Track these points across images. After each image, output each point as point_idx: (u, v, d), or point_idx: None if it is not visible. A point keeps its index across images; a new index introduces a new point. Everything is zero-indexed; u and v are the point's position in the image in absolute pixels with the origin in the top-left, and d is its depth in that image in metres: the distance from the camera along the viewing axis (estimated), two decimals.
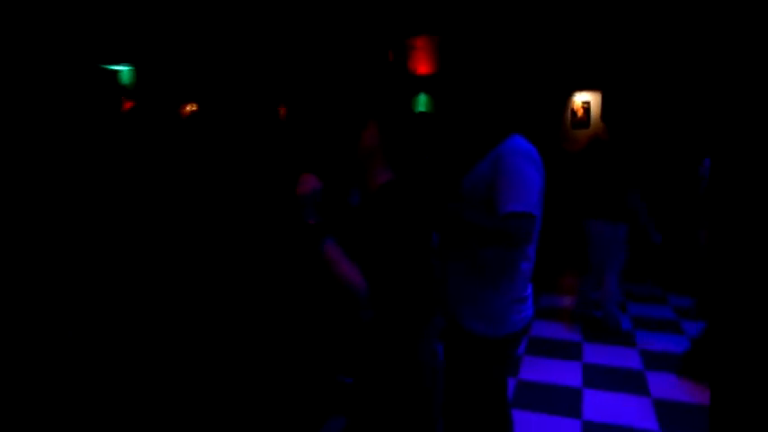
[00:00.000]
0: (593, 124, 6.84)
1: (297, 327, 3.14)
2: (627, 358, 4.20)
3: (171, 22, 5.88)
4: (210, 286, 2.90)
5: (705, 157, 3.95)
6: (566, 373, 3.94)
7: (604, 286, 4.71)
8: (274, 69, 6.44)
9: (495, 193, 1.95)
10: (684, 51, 6.13)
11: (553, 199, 3.22)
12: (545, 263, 5.01)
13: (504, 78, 2.18)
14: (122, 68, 6.58)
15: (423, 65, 7.11)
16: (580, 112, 6.90)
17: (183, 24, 5.98)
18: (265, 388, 2.98)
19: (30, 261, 2.45)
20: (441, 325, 2.21)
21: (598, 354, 4.30)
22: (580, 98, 6.88)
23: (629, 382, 3.77)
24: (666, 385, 3.71)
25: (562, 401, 3.51)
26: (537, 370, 4.01)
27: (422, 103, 7.13)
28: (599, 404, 3.47)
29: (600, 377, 3.87)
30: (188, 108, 6.44)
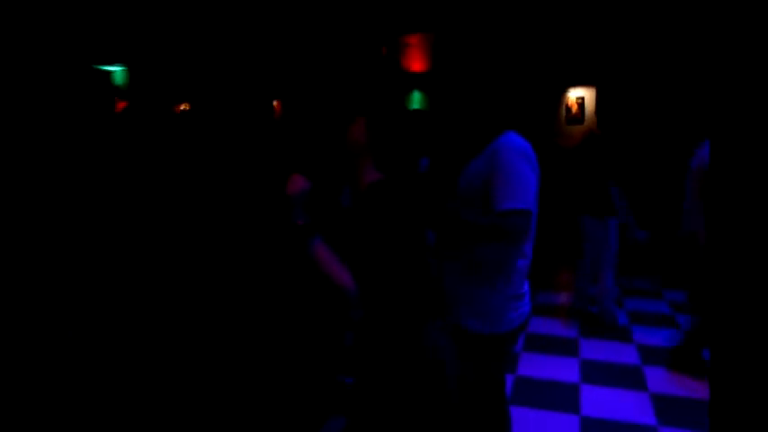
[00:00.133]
0: (587, 120, 6.84)
1: (292, 326, 3.13)
2: (624, 353, 4.20)
3: (163, 21, 5.85)
4: (206, 286, 2.89)
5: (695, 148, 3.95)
6: (563, 369, 3.94)
7: (600, 282, 4.72)
8: (267, 68, 6.42)
9: (492, 190, 1.94)
10: (679, 46, 6.14)
11: (549, 195, 3.22)
12: (542, 260, 5.01)
13: (499, 75, 2.17)
14: (115, 69, 6.55)
15: (417, 62, 7.09)
16: (575, 108, 6.90)
17: (174, 22, 5.96)
18: (264, 388, 2.97)
19: (29, 261, 2.44)
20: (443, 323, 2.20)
21: (595, 349, 4.30)
22: (574, 94, 6.88)
23: (626, 378, 3.78)
24: (664, 380, 3.72)
25: (560, 397, 3.52)
26: (535, 366, 4.01)
27: (416, 100, 7.12)
28: (597, 399, 3.48)
29: (597, 373, 3.88)
30: (181, 107, 6.42)
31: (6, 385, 2.22)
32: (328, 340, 3.23)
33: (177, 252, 2.85)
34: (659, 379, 3.74)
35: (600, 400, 3.47)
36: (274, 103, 6.39)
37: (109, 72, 6.49)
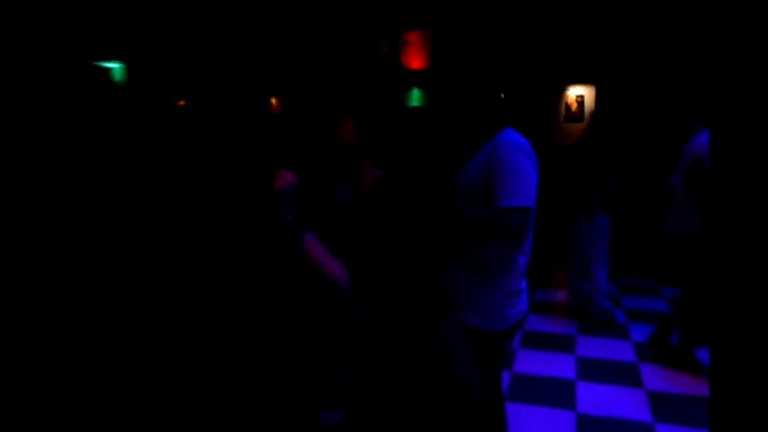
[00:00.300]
0: (586, 118, 6.85)
1: (285, 321, 3.13)
2: (621, 351, 4.22)
3: (159, 16, 5.84)
4: (198, 280, 2.89)
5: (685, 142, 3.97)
6: (560, 366, 3.96)
7: (591, 279, 4.75)
8: (265, 65, 6.41)
9: (493, 187, 1.95)
10: (678, 44, 6.14)
11: (547, 193, 3.23)
12: (540, 257, 5.02)
13: (499, 72, 2.18)
14: (114, 65, 6.54)
15: (416, 59, 7.09)
16: (574, 106, 6.90)
17: (171, 17, 5.95)
18: (258, 382, 2.98)
19: (27, 260, 2.44)
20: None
21: (592, 346, 4.32)
22: (574, 92, 6.89)
23: (622, 375, 3.80)
24: (660, 377, 3.74)
25: (556, 394, 3.53)
26: (531, 363, 4.02)
27: (415, 97, 7.12)
28: (593, 396, 3.49)
29: (594, 370, 3.89)
30: (178, 104, 6.41)
31: (7, 385, 2.23)
32: (323, 335, 3.24)
33: (171, 248, 2.85)
34: (655, 376, 3.75)
35: (596, 397, 3.48)
36: (272, 100, 6.39)
37: (108, 69, 6.48)
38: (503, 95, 2.17)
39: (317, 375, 3.23)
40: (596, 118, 4.75)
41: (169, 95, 6.20)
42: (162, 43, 6.14)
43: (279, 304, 3.10)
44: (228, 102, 5.93)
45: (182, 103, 6.26)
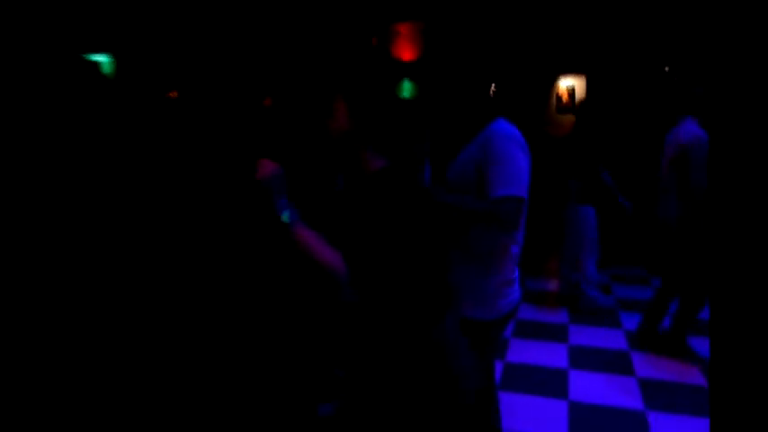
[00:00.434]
0: (577, 109, 6.86)
1: (283, 312, 3.13)
2: (612, 339, 4.26)
3: (144, 6, 5.79)
4: (194, 275, 2.88)
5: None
6: (552, 355, 3.99)
7: (581, 268, 4.79)
8: (257, 58, 6.37)
9: (486, 177, 1.96)
10: (669, 34, 6.16)
11: (539, 183, 3.24)
12: (532, 247, 5.04)
13: (490, 63, 2.18)
14: (103, 58, 6.47)
15: (407, 51, 7.07)
16: (565, 97, 6.91)
17: (157, 7, 5.89)
18: (251, 376, 2.98)
19: (25, 260, 2.43)
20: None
21: (584, 335, 4.35)
22: (565, 83, 6.89)
23: (614, 363, 3.83)
24: (651, 365, 3.77)
25: (549, 383, 3.56)
26: (523, 352, 4.05)
27: (406, 89, 7.10)
28: (585, 385, 3.52)
29: (586, 358, 3.92)
30: (170, 95, 6.35)
31: (7, 385, 2.22)
32: (318, 326, 3.24)
33: (162, 243, 2.84)
34: (646, 364, 3.79)
35: (588, 386, 3.51)
36: (263, 93, 6.35)
37: (97, 62, 6.42)
38: (494, 86, 2.17)
39: (313, 366, 3.24)
40: (585, 107, 4.76)
41: (159, 87, 6.15)
42: (149, 34, 6.08)
43: (273, 295, 3.09)
44: (219, 95, 5.89)
45: (174, 94, 6.21)
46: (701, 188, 3.48)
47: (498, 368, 3.77)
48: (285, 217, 1.62)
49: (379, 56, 6.79)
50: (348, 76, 1.70)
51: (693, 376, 3.57)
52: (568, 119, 6.84)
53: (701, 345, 4.01)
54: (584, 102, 4.71)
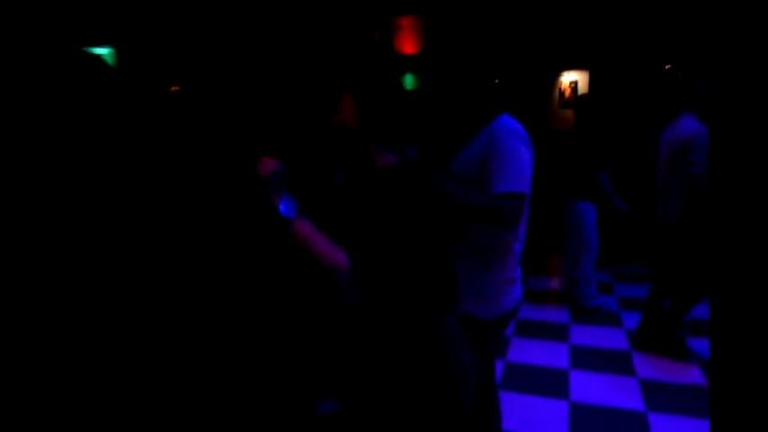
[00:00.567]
0: None
1: (283, 309, 3.10)
2: (613, 339, 4.22)
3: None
4: (197, 276, 2.85)
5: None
6: (553, 355, 3.95)
7: (579, 267, 4.75)
8: (259, 53, 6.33)
9: (489, 173, 1.93)
10: (672, 29, 6.10)
11: (541, 179, 3.21)
12: (534, 244, 5.01)
13: (493, 58, 2.14)
14: (104, 51, 6.43)
15: (409, 45, 7.01)
16: (568, 92, 6.86)
17: (161, 2, 5.85)
18: (256, 372, 2.95)
19: (23, 255, 2.39)
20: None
21: (585, 335, 4.32)
22: (568, 78, 6.84)
23: (615, 363, 3.79)
24: (652, 365, 3.74)
25: (549, 383, 3.52)
26: (524, 352, 4.02)
27: (408, 82, 7.05)
28: (586, 385, 3.49)
29: (587, 358, 3.89)
30: (171, 89, 6.32)
31: (7, 385, 2.19)
32: (319, 324, 3.20)
33: (162, 240, 2.80)
34: (647, 364, 3.75)
35: (589, 386, 3.48)
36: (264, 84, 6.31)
37: (99, 55, 6.38)
38: (497, 81, 2.13)
39: (313, 365, 3.21)
40: (584, 102, 4.65)
41: (161, 82, 6.11)
42: (151, 28, 6.04)
43: (273, 293, 3.06)
44: (221, 90, 5.85)
45: (175, 88, 6.17)
46: (700, 183, 3.43)
47: (499, 367, 3.73)
48: (286, 213, 1.58)
49: (383, 50, 6.74)
50: (356, 72, 1.66)
51: (694, 377, 3.53)
52: (571, 114, 6.80)
53: (701, 345, 3.97)
54: (583, 96, 4.61)
